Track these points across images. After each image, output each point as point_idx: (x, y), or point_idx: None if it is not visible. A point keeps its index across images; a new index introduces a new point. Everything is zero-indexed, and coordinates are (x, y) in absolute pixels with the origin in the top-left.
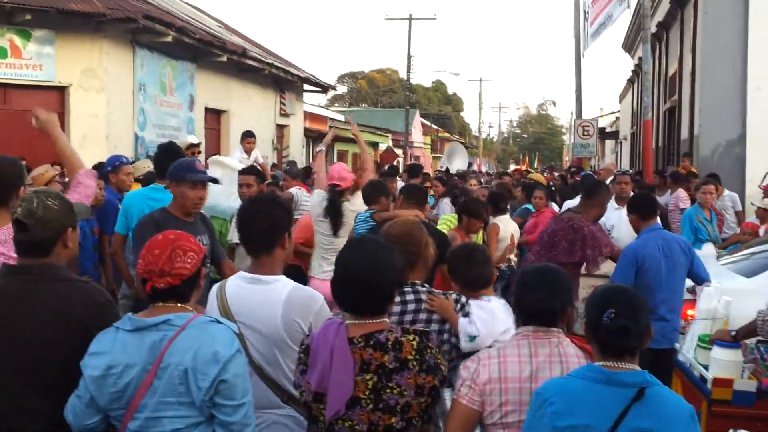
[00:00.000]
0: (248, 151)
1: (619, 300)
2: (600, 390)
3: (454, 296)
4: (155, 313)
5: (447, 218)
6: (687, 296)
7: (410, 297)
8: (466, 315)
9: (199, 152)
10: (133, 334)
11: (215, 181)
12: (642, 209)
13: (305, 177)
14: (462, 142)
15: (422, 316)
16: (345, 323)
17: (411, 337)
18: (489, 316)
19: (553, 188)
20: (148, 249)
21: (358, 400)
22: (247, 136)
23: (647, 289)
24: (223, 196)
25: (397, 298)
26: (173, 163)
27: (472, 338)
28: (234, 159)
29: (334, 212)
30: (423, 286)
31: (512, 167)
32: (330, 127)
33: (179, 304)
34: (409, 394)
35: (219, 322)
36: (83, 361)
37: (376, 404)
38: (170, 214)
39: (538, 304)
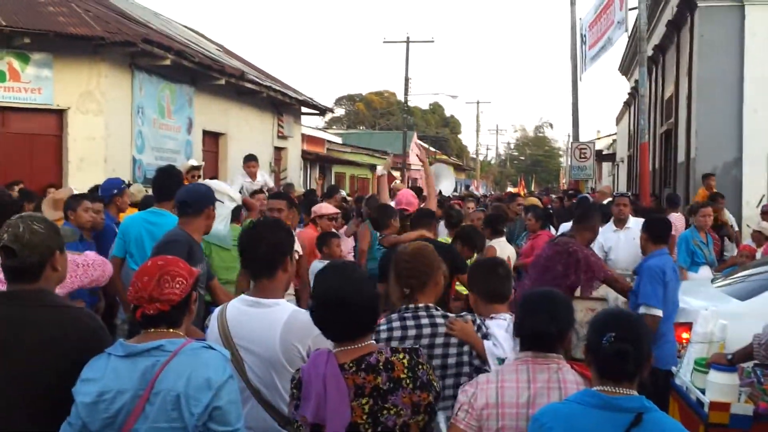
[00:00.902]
0: (252, 175)
1: (619, 324)
2: (597, 415)
3: (469, 317)
4: (147, 339)
5: (440, 240)
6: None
7: (425, 321)
8: (485, 336)
9: (199, 176)
10: (125, 360)
11: None
12: (656, 232)
13: (308, 203)
14: (459, 164)
15: (439, 340)
16: (333, 352)
17: (401, 356)
18: (509, 336)
19: (551, 211)
20: (138, 276)
21: (356, 425)
22: (250, 160)
23: (667, 311)
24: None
25: (412, 322)
26: (200, 190)
27: (501, 361)
28: (226, 183)
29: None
30: (437, 309)
31: (508, 189)
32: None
33: (171, 330)
34: (406, 413)
35: (212, 348)
36: (75, 387)
37: (374, 428)
38: (191, 236)
39: (535, 328)
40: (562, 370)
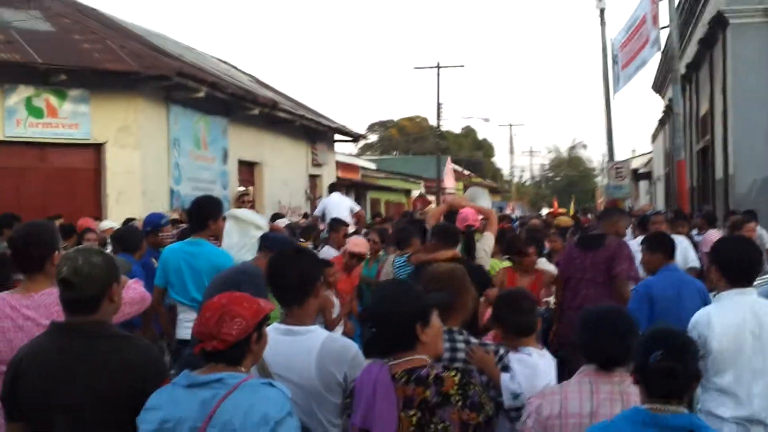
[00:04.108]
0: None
1: (666, 342)
2: None
3: (492, 347)
4: (210, 371)
5: (493, 262)
6: None
7: (445, 345)
8: (505, 368)
9: (250, 200)
10: (187, 390)
11: None
12: (658, 248)
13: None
14: (494, 187)
15: (457, 365)
16: (386, 363)
17: (452, 373)
18: (531, 371)
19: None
20: (203, 310)
21: None
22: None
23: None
24: (236, 249)
25: None
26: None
27: (516, 396)
28: (251, 213)
29: (469, 249)
30: (461, 333)
31: (545, 211)
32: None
33: (230, 366)
34: (453, 430)
35: (272, 385)
36: (139, 416)
37: None
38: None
39: (605, 351)
40: (624, 382)
